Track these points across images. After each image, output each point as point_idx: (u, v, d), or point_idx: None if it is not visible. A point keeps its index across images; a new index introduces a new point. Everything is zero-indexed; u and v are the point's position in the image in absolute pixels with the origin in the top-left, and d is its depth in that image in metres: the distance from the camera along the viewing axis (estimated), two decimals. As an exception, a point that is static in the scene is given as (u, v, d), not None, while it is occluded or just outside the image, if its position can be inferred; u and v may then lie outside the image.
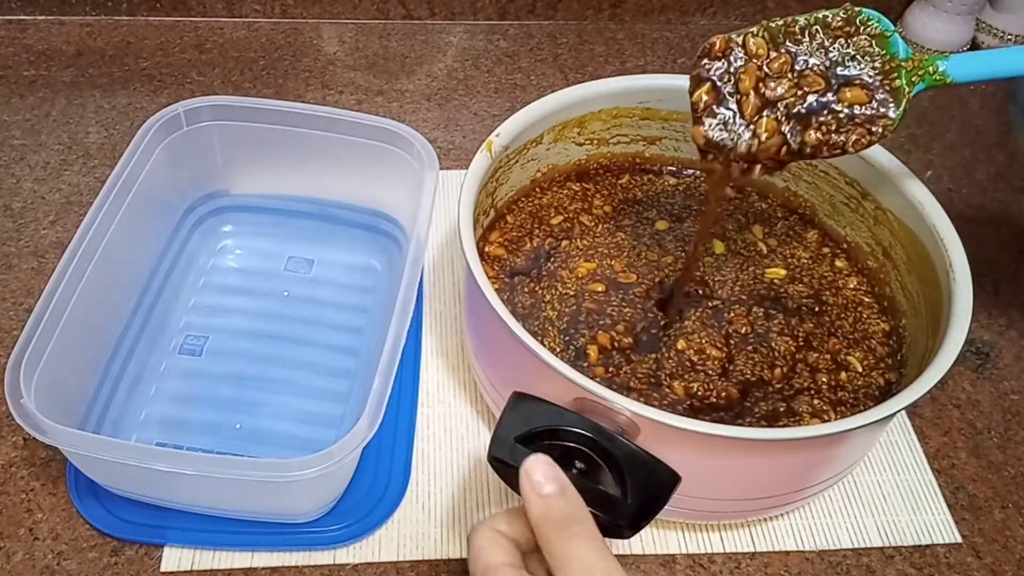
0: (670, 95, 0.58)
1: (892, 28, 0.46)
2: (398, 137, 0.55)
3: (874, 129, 0.45)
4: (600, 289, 0.54)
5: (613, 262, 0.56)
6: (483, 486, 0.52)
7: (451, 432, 0.55)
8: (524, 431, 0.40)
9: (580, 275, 0.55)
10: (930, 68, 0.46)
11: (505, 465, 0.39)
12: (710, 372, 0.50)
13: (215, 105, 0.56)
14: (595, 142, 0.60)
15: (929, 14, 0.82)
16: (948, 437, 0.56)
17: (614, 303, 0.53)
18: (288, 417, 0.54)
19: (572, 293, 0.54)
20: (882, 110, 0.45)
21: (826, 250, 0.58)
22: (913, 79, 0.46)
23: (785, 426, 0.48)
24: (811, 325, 0.53)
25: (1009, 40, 0.83)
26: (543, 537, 0.36)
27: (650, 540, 0.50)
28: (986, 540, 0.51)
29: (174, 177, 0.57)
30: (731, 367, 0.51)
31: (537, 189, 0.60)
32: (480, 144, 0.51)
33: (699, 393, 0.49)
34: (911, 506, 0.53)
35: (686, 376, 0.50)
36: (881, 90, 0.45)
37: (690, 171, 0.62)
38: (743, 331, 0.52)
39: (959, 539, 0.51)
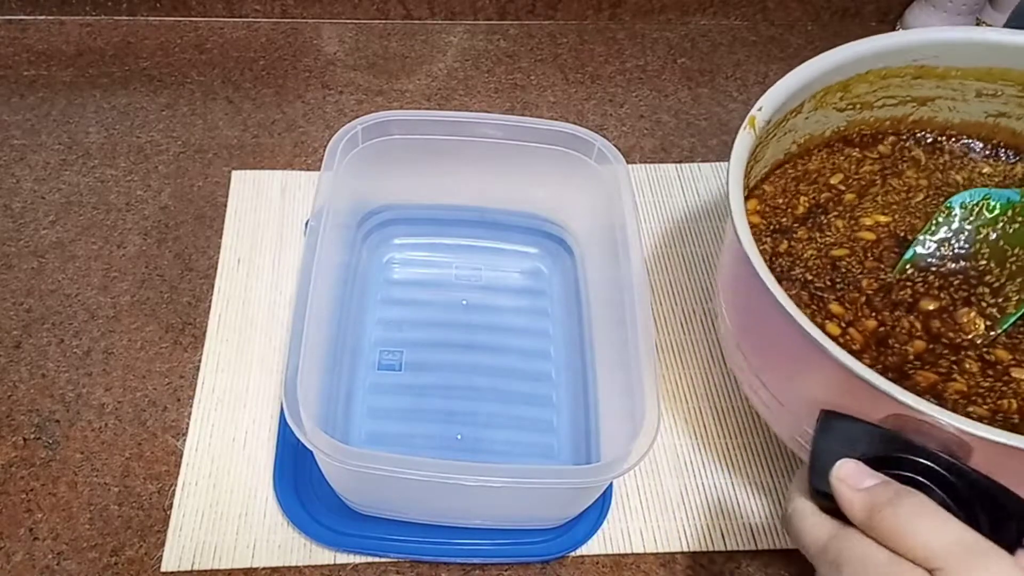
0: (949, 50, 0.52)
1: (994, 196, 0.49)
2: (576, 140, 0.55)
3: None
4: (871, 238, 0.50)
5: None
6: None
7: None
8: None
9: (866, 224, 0.51)
10: None
11: (831, 499, 0.35)
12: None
13: (390, 120, 0.55)
14: (857, 106, 0.55)
15: (929, 14, 0.82)
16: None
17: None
18: (503, 424, 0.54)
19: (848, 250, 0.50)
20: None
21: None
22: None
23: None
24: None
25: (1009, 40, 0.83)
26: (876, 523, 0.32)
27: (651, 539, 0.50)
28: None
29: (353, 195, 0.56)
30: None
31: (793, 160, 0.55)
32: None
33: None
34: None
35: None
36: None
37: (1005, 156, 0.55)
38: None
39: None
